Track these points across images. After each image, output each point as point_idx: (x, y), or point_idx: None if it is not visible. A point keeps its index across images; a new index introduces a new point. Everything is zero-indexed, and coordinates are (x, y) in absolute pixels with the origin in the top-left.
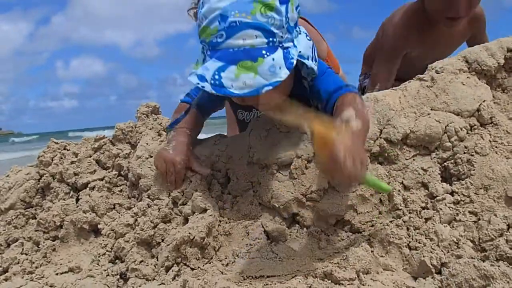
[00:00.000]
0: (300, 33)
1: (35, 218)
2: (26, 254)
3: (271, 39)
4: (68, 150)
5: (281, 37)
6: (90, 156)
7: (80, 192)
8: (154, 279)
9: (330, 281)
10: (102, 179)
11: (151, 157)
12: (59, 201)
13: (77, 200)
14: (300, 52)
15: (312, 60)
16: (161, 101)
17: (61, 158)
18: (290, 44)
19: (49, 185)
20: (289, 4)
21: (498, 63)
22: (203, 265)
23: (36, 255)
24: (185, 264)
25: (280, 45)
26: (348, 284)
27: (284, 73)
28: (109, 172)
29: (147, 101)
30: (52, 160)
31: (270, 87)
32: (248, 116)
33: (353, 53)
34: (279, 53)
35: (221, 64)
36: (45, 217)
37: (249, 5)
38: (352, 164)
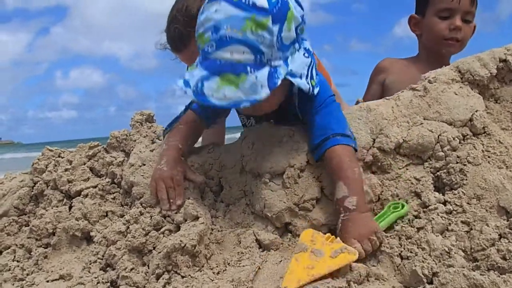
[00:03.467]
0: (298, 50)
1: (28, 225)
2: (18, 261)
3: (258, 56)
4: (62, 157)
5: (270, 55)
6: (84, 164)
7: (73, 199)
8: (144, 286)
9: None
10: (95, 187)
11: (144, 165)
12: (52, 208)
13: (70, 207)
14: (291, 70)
15: (306, 78)
16: (160, 113)
17: (55, 165)
18: (280, 62)
19: (42, 192)
20: (285, 23)
21: (491, 73)
22: (194, 273)
23: (28, 262)
24: (175, 272)
25: (268, 63)
26: None
27: (264, 93)
28: (102, 179)
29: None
30: (46, 167)
31: (248, 104)
32: (248, 122)
33: (351, 65)
34: (264, 72)
35: (205, 74)
36: (37, 224)
37: (241, 22)
38: (369, 243)
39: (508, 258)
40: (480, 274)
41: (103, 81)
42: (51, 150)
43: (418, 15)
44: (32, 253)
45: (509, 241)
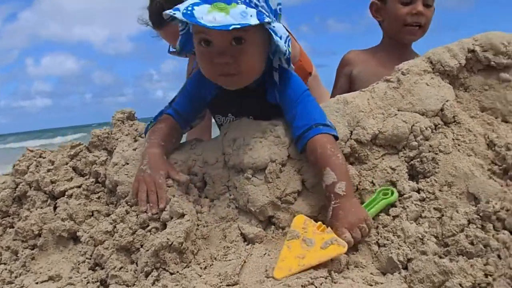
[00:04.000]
0: (278, 22)
1: (13, 227)
2: (5, 264)
3: (245, 2)
4: (44, 157)
5: (258, 1)
6: (67, 164)
7: (58, 200)
8: (134, 284)
9: (303, 280)
10: (79, 186)
11: (128, 164)
12: (36, 209)
13: (55, 208)
14: (274, 27)
15: (285, 43)
16: (138, 98)
17: (37, 166)
18: (266, 16)
19: (25, 193)
20: None
21: (460, 63)
22: (182, 270)
23: (15, 264)
24: (164, 269)
25: (257, 8)
26: (321, 284)
27: (253, 21)
28: (86, 179)
29: (123, 98)
30: (28, 168)
31: (238, 26)
32: (225, 121)
33: (328, 46)
34: (253, 9)
35: (197, 1)
36: (23, 226)
37: None
38: (359, 231)
39: (475, 243)
40: (450, 260)
41: (77, 67)
42: (32, 151)
43: (379, 1)
44: (18, 255)
45: (476, 227)
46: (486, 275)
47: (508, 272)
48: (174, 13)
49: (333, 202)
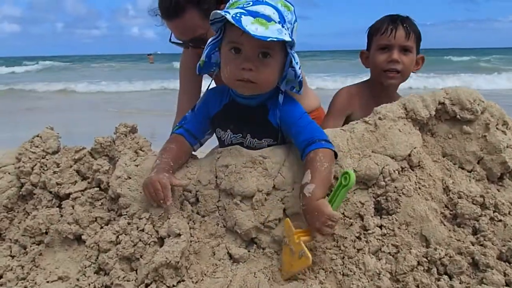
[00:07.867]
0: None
1: (15, 220)
2: (14, 257)
3: (282, 22)
4: (47, 159)
5: (287, 29)
6: (71, 167)
7: (63, 201)
8: None
9: None
10: (83, 190)
11: (130, 178)
12: (43, 208)
13: (59, 206)
14: (294, 53)
15: (299, 68)
16: (112, 33)
17: (42, 167)
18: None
19: (31, 192)
20: (296, 24)
21: (430, 114)
22: (177, 284)
23: (25, 258)
24: (161, 282)
25: (287, 31)
26: None
27: (287, 37)
28: (89, 183)
29: (97, 31)
30: (33, 169)
31: (275, 39)
32: (224, 135)
33: None
34: (286, 30)
35: (244, 11)
36: (31, 224)
37: None
38: (328, 228)
39: (420, 287)
40: None
41: None
42: (34, 153)
43: (367, 50)
44: (27, 250)
45: (424, 269)
46: None
47: None
48: (225, 15)
49: (301, 204)
